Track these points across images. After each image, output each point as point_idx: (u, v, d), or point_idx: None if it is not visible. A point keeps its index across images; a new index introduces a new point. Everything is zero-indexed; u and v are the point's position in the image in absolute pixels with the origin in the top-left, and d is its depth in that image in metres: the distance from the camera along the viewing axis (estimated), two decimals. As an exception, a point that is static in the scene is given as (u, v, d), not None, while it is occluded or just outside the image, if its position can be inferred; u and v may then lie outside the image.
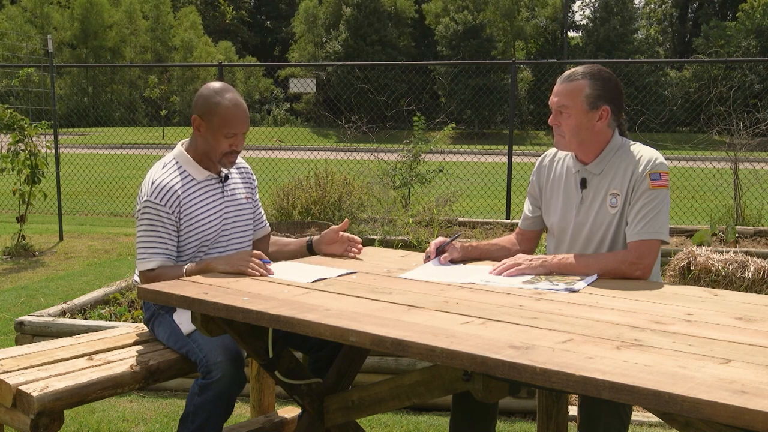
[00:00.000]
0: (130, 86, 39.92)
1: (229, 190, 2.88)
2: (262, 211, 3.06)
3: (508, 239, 2.92)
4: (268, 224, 3.07)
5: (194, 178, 2.78)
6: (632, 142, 2.68)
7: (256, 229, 3.02)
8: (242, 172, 2.99)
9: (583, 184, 2.67)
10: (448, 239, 2.76)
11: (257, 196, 3.04)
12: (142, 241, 2.71)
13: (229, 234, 2.84)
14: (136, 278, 2.83)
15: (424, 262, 2.73)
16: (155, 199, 2.68)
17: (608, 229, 2.61)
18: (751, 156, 8.74)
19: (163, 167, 2.77)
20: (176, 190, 2.71)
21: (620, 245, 2.60)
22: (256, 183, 3.05)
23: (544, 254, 2.65)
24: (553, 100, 2.64)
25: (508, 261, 2.57)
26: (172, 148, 2.90)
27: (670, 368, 1.59)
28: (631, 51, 36.30)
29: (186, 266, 2.65)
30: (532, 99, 33.63)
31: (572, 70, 2.65)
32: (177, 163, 2.79)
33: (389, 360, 3.64)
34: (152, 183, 2.71)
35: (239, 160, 2.97)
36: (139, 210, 2.72)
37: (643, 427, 3.46)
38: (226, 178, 2.87)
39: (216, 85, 2.78)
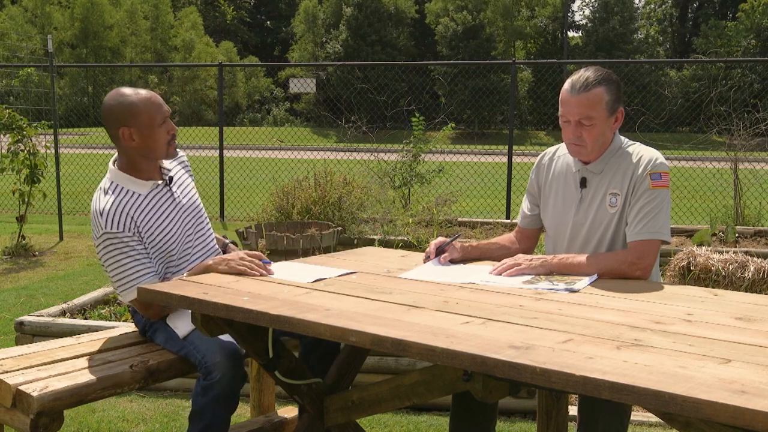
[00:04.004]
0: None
1: (179, 190, 2.80)
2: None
3: (507, 238, 2.92)
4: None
5: (140, 194, 2.67)
6: (632, 142, 2.68)
7: None
8: (180, 163, 2.91)
9: (583, 183, 2.67)
10: (448, 239, 2.75)
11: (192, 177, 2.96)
12: (119, 273, 2.60)
13: (193, 236, 2.79)
14: (122, 300, 2.78)
15: (424, 262, 2.73)
16: (112, 228, 2.57)
17: (607, 229, 2.61)
18: (751, 156, 8.73)
19: (106, 194, 2.64)
20: (128, 212, 2.60)
21: (619, 245, 2.60)
22: (189, 165, 2.95)
23: (544, 254, 2.65)
24: (570, 111, 2.54)
25: (508, 261, 2.57)
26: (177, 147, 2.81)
27: (670, 368, 1.59)
28: (631, 51, 36.28)
29: (186, 273, 2.65)
30: (532, 99, 33.62)
31: (582, 77, 2.54)
32: (117, 185, 2.66)
33: (389, 360, 3.64)
34: (101, 213, 2.59)
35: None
36: (99, 245, 2.60)
37: (643, 427, 3.46)
38: (171, 179, 2.77)
39: (113, 93, 2.68)
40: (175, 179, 2.81)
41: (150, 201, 2.68)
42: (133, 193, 2.67)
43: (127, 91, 2.68)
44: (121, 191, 2.65)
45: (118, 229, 2.58)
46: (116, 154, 2.75)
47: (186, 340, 2.60)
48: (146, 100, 2.65)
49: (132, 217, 2.61)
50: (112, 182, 2.68)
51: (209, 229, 2.89)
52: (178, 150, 2.85)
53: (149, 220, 2.65)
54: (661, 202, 2.53)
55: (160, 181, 2.74)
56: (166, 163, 2.82)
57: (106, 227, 2.57)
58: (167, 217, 2.70)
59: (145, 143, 2.65)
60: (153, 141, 2.66)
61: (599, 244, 2.63)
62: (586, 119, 2.53)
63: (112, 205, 2.60)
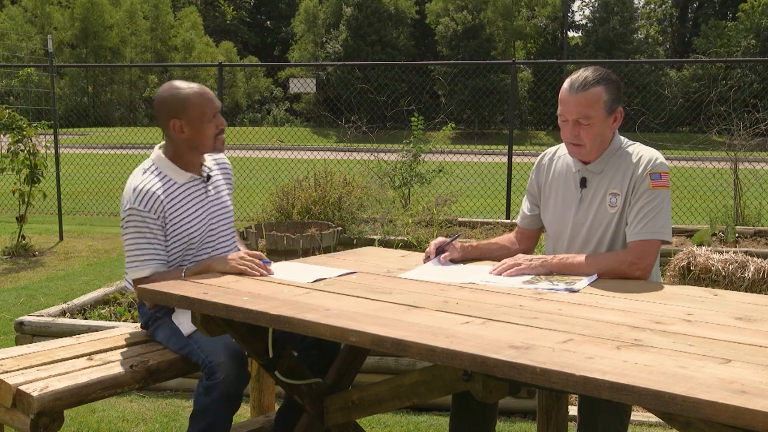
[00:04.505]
0: (130, 86, 39.91)
1: (213, 189, 2.86)
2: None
3: (507, 238, 2.92)
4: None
5: (176, 182, 2.74)
6: (632, 142, 2.68)
7: None
8: (221, 167, 2.97)
9: (583, 183, 2.67)
10: (448, 239, 2.75)
11: (231, 191, 3.02)
12: (132, 250, 2.67)
13: (216, 234, 2.82)
14: (128, 284, 2.82)
15: (424, 262, 2.73)
16: (139, 205, 2.64)
17: (607, 229, 2.61)
18: (750, 156, 8.73)
19: (143, 173, 2.73)
20: (158, 195, 2.67)
21: (619, 245, 2.60)
22: (232, 178, 3.03)
23: (544, 254, 2.65)
24: (569, 110, 2.55)
25: (508, 261, 2.57)
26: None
27: (670, 368, 1.59)
28: (631, 51, 36.28)
29: (185, 269, 2.65)
30: (532, 99, 33.62)
31: (580, 76, 2.55)
32: (157, 168, 2.75)
33: (389, 360, 3.64)
34: (134, 189, 2.67)
35: (218, 155, 2.96)
36: (124, 218, 2.69)
37: (643, 427, 3.46)
38: (209, 177, 2.84)
39: (167, 86, 2.77)
40: (212, 179, 2.87)
41: (183, 191, 2.75)
42: (170, 179, 2.74)
43: (180, 84, 2.77)
44: (158, 174, 2.74)
45: (144, 208, 2.65)
46: (164, 141, 2.83)
47: (190, 338, 2.60)
48: (198, 94, 2.73)
49: (161, 201, 2.67)
50: (153, 164, 2.77)
51: (232, 232, 2.93)
52: (217, 161, 2.94)
53: (177, 209, 2.71)
54: (661, 202, 2.53)
55: (198, 176, 2.81)
56: (209, 163, 2.89)
57: (134, 203, 2.65)
58: (195, 210, 2.76)
59: (194, 136, 2.73)
60: (201, 134, 2.73)
61: (599, 244, 2.63)
62: (584, 118, 2.53)
63: (146, 185, 2.68)
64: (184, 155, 2.77)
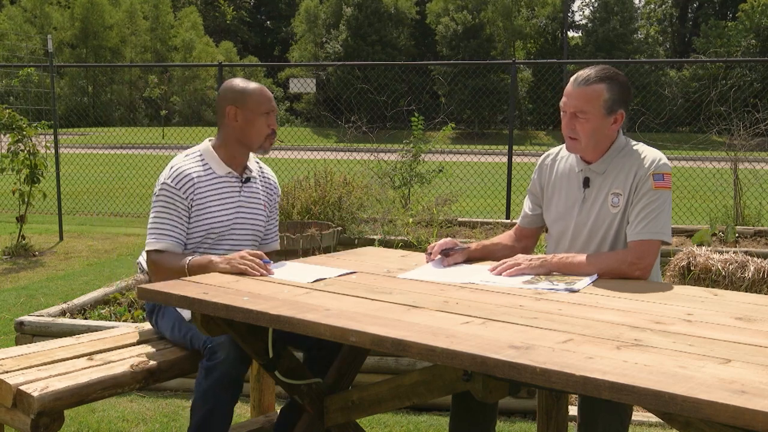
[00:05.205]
0: (130, 86, 39.92)
1: (248, 191, 2.90)
2: (277, 227, 3.08)
3: (508, 236, 2.91)
4: (278, 241, 3.09)
5: (214, 172, 2.83)
6: (636, 143, 2.68)
7: (266, 242, 3.02)
8: (267, 183, 3.02)
9: (586, 183, 2.67)
10: (456, 246, 2.73)
11: (276, 211, 3.06)
12: (154, 223, 2.76)
13: (238, 234, 2.85)
14: (141, 260, 2.87)
15: (426, 261, 2.72)
16: (171, 182, 2.74)
17: (609, 229, 2.61)
18: (751, 156, 8.73)
19: (186, 156, 2.85)
20: (192, 178, 2.76)
21: (621, 245, 2.60)
22: (278, 197, 3.08)
23: (545, 254, 2.65)
24: (567, 103, 2.58)
25: (507, 260, 2.57)
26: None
27: (670, 368, 1.59)
28: (631, 51, 36.30)
29: (188, 258, 2.67)
30: (532, 99, 33.63)
31: (586, 72, 2.59)
32: (201, 156, 2.85)
33: (389, 360, 3.64)
34: (171, 167, 2.78)
35: (268, 170, 3.04)
36: (155, 192, 2.79)
37: (643, 427, 3.46)
38: (247, 180, 2.90)
39: (237, 79, 2.90)
40: (251, 183, 2.92)
41: (217, 183, 2.82)
42: (209, 168, 2.82)
43: (242, 80, 2.89)
44: (200, 161, 2.83)
45: (176, 186, 2.74)
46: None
47: (192, 322, 2.60)
48: (258, 89, 2.85)
49: (194, 186, 2.76)
50: (198, 152, 2.87)
51: (257, 238, 2.95)
52: (264, 175, 3.01)
53: (206, 197, 2.78)
54: (662, 203, 2.53)
55: (237, 174, 2.87)
56: (255, 170, 2.96)
57: (168, 179, 2.76)
58: (224, 204, 2.81)
59: (245, 126, 2.82)
60: (253, 127, 2.82)
61: (601, 244, 2.63)
62: (581, 112, 2.56)
63: (184, 165, 2.78)
64: (231, 148, 2.85)
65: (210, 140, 2.91)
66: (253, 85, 2.86)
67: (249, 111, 2.81)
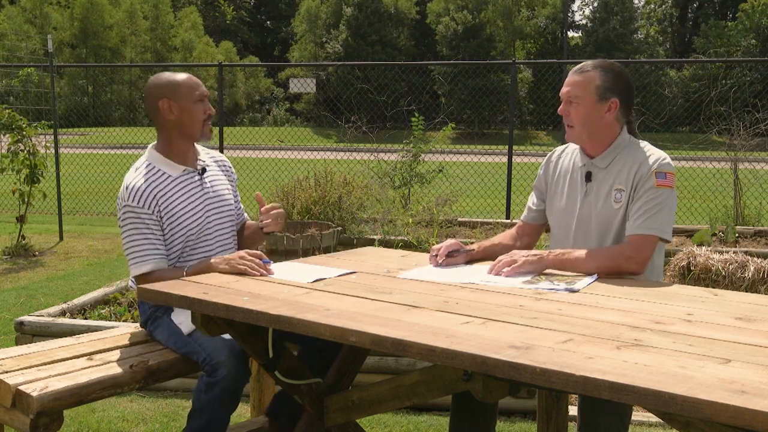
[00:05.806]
0: (130, 86, 39.91)
1: (209, 182, 2.88)
2: (242, 205, 3.08)
3: (508, 235, 2.91)
4: (246, 215, 3.09)
5: (170, 176, 2.77)
6: (641, 141, 2.69)
7: (239, 219, 3.02)
8: (221, 165, 3.00)
9: (588, 177, 2.67)
10: (460, 249, 2.72)
11: (236, 188, 3.05)
12: (131, 247, 2.70)
13: (213, 228, 2.84)
14: (131, 284, 2.83)
15: (430, 261, 2.72)
16: (133, 202, 2.69)
17: (611, 224, 2.61)
18: (751, 156, 8.73)
19: (136, 170, 2.77)
20: (152, 190, 2.71)
21: (623, 241, 2.60)
22: (235, 176, 3.06)
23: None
24: (564, 90, 2.67)
25: (503, 258, 2.56)
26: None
27: (670, 368, 1.59)
28: (631, 51, 36.26)
29: (187, 268, 2.66)
30: (532, 99, 33.62)
31: (586, 63, 2.69)
32: (149, 164, 2.79)
33: (389, 360, 3.64)
34: (127, 188, 2.71)
35: (217, 153, 3.01)
36: (120, 217, 2.73)
37: (643, 427, 3.46)
38: (203, 170, 2.87)
39: (160, 74, 2.85)
40: (208, 173, 2.89)
41: (177, 184, 2.78)
42: (164, 173, 2.77)
43: (166, 73, 2.85)
44: (152, 170, 2.77)
45: (138, 204, 2.69)
46: (155, 140, 2.88)
47: (191, 336, 2.60)
48: (186, 77, 2.81)
49: (155, 197, 2.71)
50: (146, 161, 2.81)
51: (232, 227, 2.94)
52: (215, 159, 2.98)
53: (172, 202, 2.73)
54: (663, 201, 2.53)
55: (192, 169, 2.84)
56: (206, 159, 2.92)
57: (127, 200, 2.70)
58: (191, 202, 2.78)
59: (182, 117, 2.77)
60: (190, 115, 2.77)
61: (603, 239, 2.63)
62: (574, 97, 2.63)
63: (139, 181, 2.72)
64: (175, 143, 2.80)
65: (152, 146, 2.86)
66: (180, 75, 2.81)
67: (182, 100, 2.76)
